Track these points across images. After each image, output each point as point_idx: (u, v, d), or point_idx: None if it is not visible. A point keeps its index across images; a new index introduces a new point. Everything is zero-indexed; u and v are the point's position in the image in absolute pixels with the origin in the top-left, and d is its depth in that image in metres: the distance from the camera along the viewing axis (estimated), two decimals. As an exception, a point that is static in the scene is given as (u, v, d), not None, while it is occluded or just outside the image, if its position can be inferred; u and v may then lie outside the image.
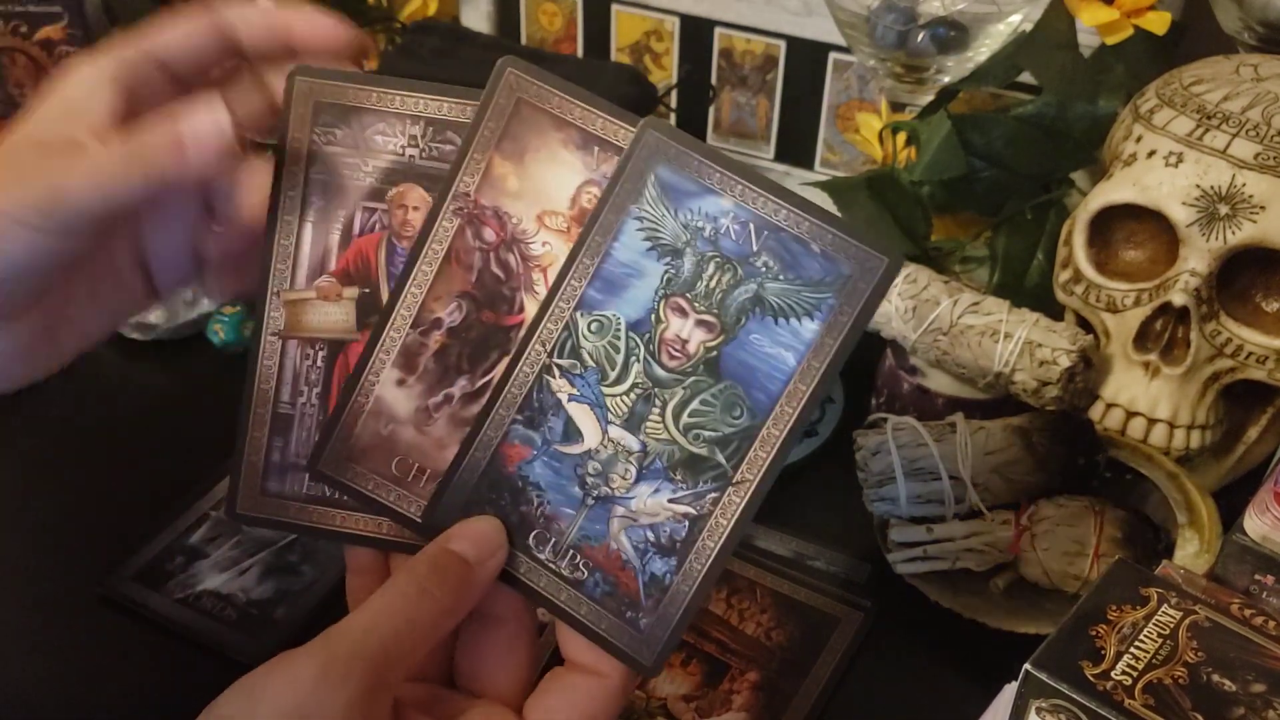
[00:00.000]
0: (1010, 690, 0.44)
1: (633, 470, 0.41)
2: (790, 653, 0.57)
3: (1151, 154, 0.63)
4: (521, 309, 0.43)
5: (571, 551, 0.42)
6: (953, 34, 0.72)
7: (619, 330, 0.41)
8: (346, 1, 0.90)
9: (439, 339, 0.43)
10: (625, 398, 0.41)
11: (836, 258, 0.39)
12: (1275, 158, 0.60)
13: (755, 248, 0.40)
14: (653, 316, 0.41)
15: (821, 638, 0.58)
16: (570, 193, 0.42)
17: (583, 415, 0.42)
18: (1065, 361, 0.62)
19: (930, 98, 0.77)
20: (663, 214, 0.41)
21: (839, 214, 0.74)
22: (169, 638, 0.57)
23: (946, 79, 0.75)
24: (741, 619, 0.59)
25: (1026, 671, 0.41)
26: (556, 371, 0.42)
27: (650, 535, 0.41)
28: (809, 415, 0.40)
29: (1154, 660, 0.41)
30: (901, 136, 0.77)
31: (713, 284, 0.41)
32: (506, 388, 0.42)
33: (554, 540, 0.42)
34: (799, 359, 0.40)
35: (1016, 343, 0.63)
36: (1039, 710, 0.41)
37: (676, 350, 0.41)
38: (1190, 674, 0.41)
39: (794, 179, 0.93)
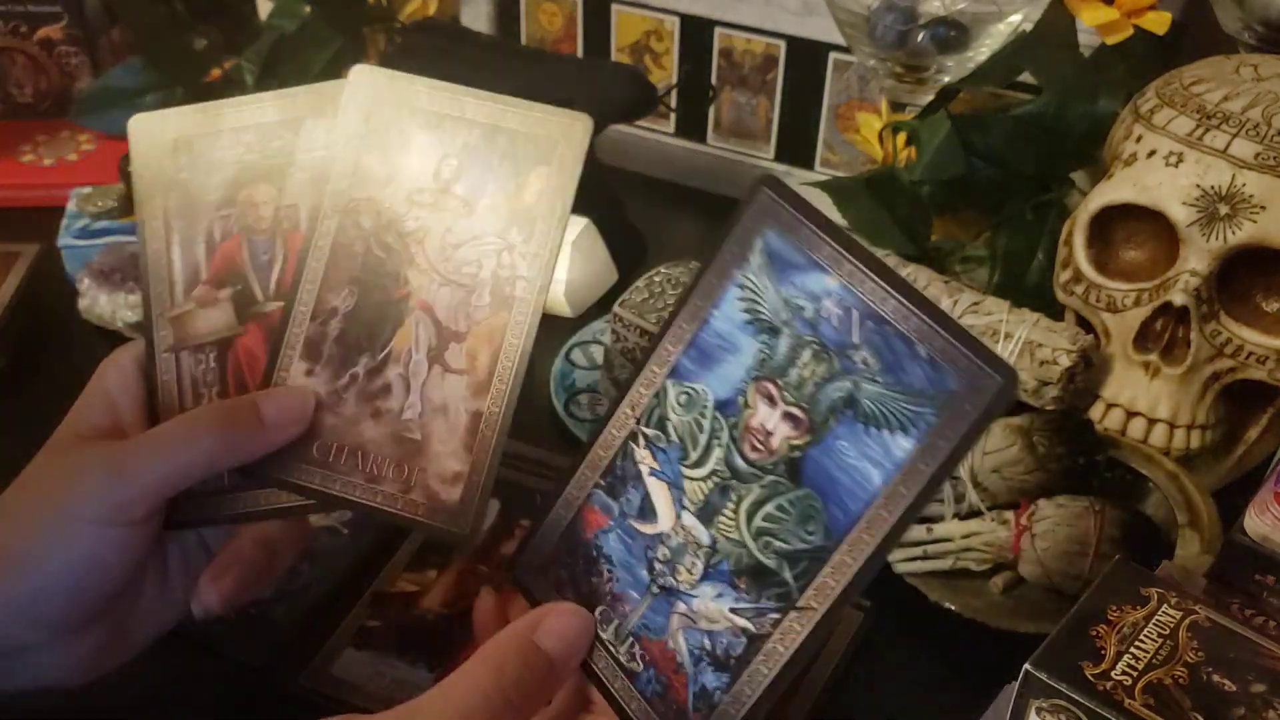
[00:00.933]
0: (1010, 690, 0.44)
1: (699, 565, 0.39)
2: (790, 653, 0.57)
3: (1152, 154, 0.63)
4: (407, 282, 0.46)
5: (631, 639, 0.40)
6: (953, 34, 0.72)
7: (706, 407, 0.39)
8: (347, 1, 0.90)
9: (337, 325, 0.46)
10: (703, 484, 0.39)
11: (944, 367, 0.34)
12: (1275, 157, 0.60)
13: (856, 339, 0.36)
14: (741, 399, 0.38)
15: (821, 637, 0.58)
16: (431, 169, 0.46)
17: (660, 493, 0.40)
18: (1065, 361, 0.62)
19: (930, 97, 0.76)
20: (765, 284, 0.38)
21: (842, 217, 0.75)
22: (169, 636, 0.57)
23: (947, 79, 0.75)
24: (741, 619, 0.59)
25: (1026, 671, 0.41)
26: (642, 440, 0.40)
27: (707, 643, 0.39)
28: (891, 548, 0.35)
29: (1154, 660, 0.41)
30: (902, 136, 0.77)
31: (806, 373, 0.37)
32: (594, 448, 0.42)
33: (618, 623, 0.41)
34: (885, 479, 0.35)
35: (1017, 343, 0.63)
36: (1039, 710, 0.41)
37: (759, 442, 0.38)
38: (1190, 674, 0.41)
39: (794, 179, 0.93)
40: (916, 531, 0.59)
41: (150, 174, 0.49)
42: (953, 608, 0.57)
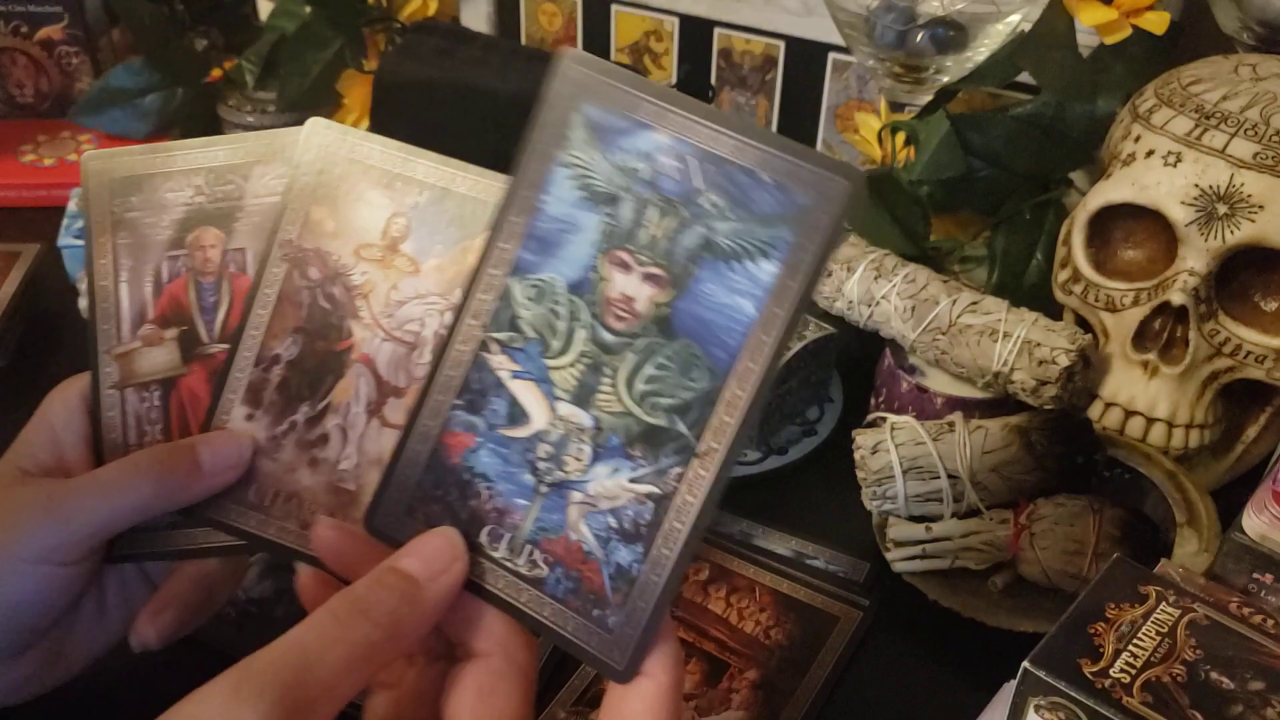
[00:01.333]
0: (1009, 688, 0.44)
1: (587, 450, 0.38)
2: (789, 651, 0.57)
3: (1150, 153, 0.63)
4: (350, 335, 0.46)
5: (529, 547, 0.39)
6: (952, 34, 0.72)
7: (558, 294, 0.38)
8: (346, 2, 0.90)
9: (279, 372, 0.47)
10: (572, 370, 0.38)
11: (790, 186, 0.35)
12: (1274, 157, 0.60)
13: (699, 184, 0.36)
14: (594, 275, 0.37)
15: (820, 636, 0.58)
16: (380, 225, 0.47)
17: (528, 393, 0.38)
18: (1064, 361, 0.62)
19: (929, 98, 0.77)
20: (593, 157, 0.37)
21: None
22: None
23: (945, 79, 0.75)
24: (741, 617, 0.59)
25: (1025, 669, 0.41)
26: (495, 347, 0.39)
27: (612, 521, 0.37)
28: (775, 370, 0.36)
29: (1152, 658, 0.41)
30: (900, 136, 0.77)
31: (656, 231, 0.37)
32: (441, 370, 0.39)
33: (509, 536, 0.39)
34: (759, 306, 0.35)
35: (1015, 342, 0.63)
36: (1037, 708, 0.41)
37: (623, 310, 0.37)
38: (1188, 672, 0.41)
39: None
40: (916, 531, 0.59)
41: (101, 211, 0.50)
42: (951, 607, 0.58)
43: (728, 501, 0.65)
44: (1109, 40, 0.71)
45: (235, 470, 0.46)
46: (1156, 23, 0.70)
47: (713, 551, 0.62)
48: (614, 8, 0.94)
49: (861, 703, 0.55)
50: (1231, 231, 0.60)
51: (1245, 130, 0.61)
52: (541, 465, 0.38)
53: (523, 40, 0.99)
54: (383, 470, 0.41)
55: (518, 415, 0.39)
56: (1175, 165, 0.62)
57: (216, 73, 0.95)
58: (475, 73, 0.83)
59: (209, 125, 0.94)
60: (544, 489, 0.38)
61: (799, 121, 0.91)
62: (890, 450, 0.60)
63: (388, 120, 0.85)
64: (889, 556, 0.60)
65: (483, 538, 0.39)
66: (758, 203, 0.35)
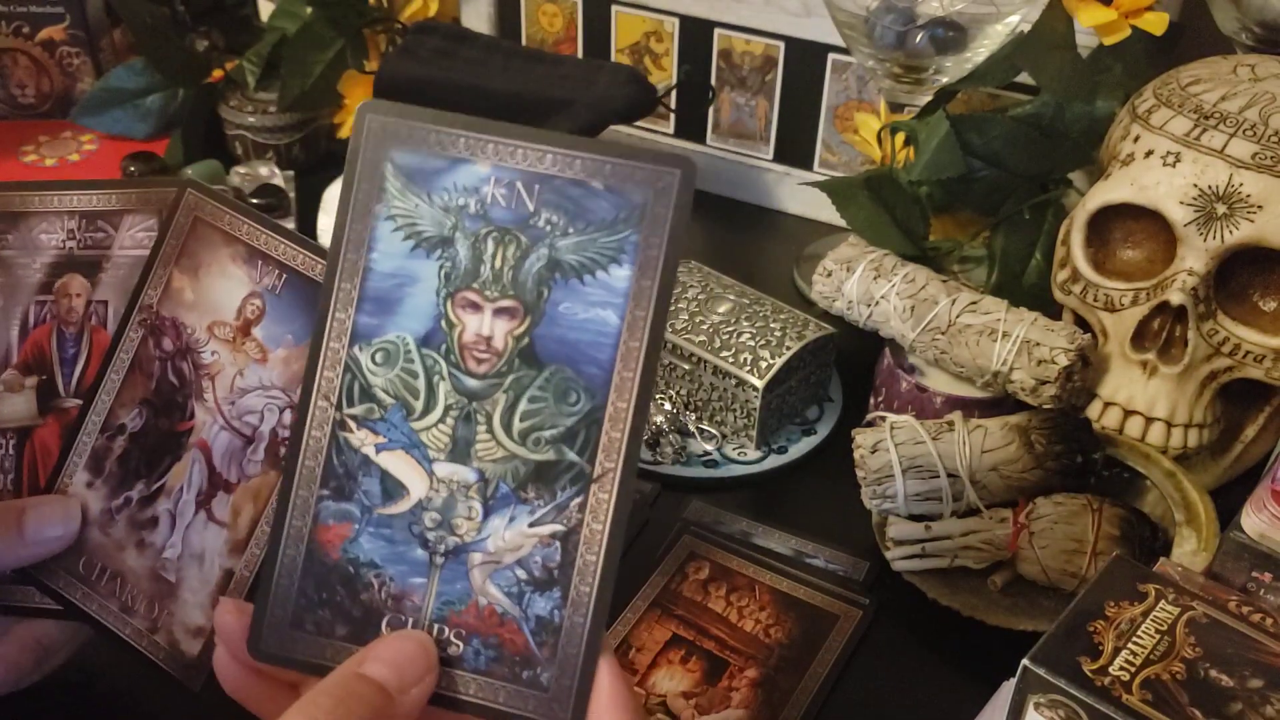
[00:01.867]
0: (1009, 687, 0.44)
1: (477, 506, 0.36)
2: (789, 650, 0.57)
3: (1149, 154, 0.63)
4: (192, 415, 0.45)
5: (437, 626, 0.36)
6: (951, 34, 0.72)
7: (410, 352, 0.36)
8: (347, 1, 0.90)
9: (122, 444, 0.46)
10: (442, 426, 0.36)
11: (624, 188, 0.34)
12: (1272, 157, 0.60)
13: (531, 207, 0.35)
14: (443, 323, 0.36)
15: (820, 635, 0.58)
16: (237, 304, 0.45)
17: (399, 464, 0.36)
18: (1063, 360, 0.62)
19: (928, 98, 0.77)
20: (415, 203, 0.36)
21: (841, 217, 0.75)
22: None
23: (945, 79, 0.75)
24: (741, 616, 0.59)
25: (1024, 667, 0.41)
26: (352, 424, 0.36)
27: (521, 573, 0.35)
28: (654, 373, 0.35)
29: (1151, 656, 0.41)
30: (900, 137, 0.77)
31: (498, 263, 0.35)
32: (300, 462, 0.36)
33: (411, 621, 0.36)
34: (621, 314, 0.35)
35: (1014, 342, 0.63)
36: (1037, 706, 0.41)
37: (482, 352, 0.36)
38: (1188, 670, 0.41)
39: (793, 179, 0.93)
40: (915, 530, 0.59)
41: None
42: (951, 605, 0.58)
43: (728, 501, 0.66)
44: (1108, 41, 0.71)
45: (60, 541, 0.45)
46: (1155, 23, 0.70)
47: (713, 551, 0.62)
48: (614, 8, 0.94)
49: (861, 701, 0.55)
50: (1230, 231, 0.60)
51: (1244, 130, 0.61)
52: (431, 535, 0.36)
53: (523, 41, 0.99)
54: (258, 582, 0.38)
55: (393, 490, 0.36)
56: (1174, 165, 0.62)
57: (218, 73, 0.95)
58: (476, 73, 0.83)
59: (210, 126, 0.94)
60: (439, 560, 0.36)
61: (798, 122, 0.91)
62: (890, 449, 0.60)
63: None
64: (889, 555, 0.60)
65: (383, 630, 0.36)
66: (595, 211, 0.35)
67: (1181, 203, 0.61)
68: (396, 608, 0.36)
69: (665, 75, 0.94)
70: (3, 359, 0.49)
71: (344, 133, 0.91)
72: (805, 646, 0.58)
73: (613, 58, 0.96)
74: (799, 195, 0.93)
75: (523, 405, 0.36)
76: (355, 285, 0.36)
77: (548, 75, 0.83)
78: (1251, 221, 0.60)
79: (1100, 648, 0.41)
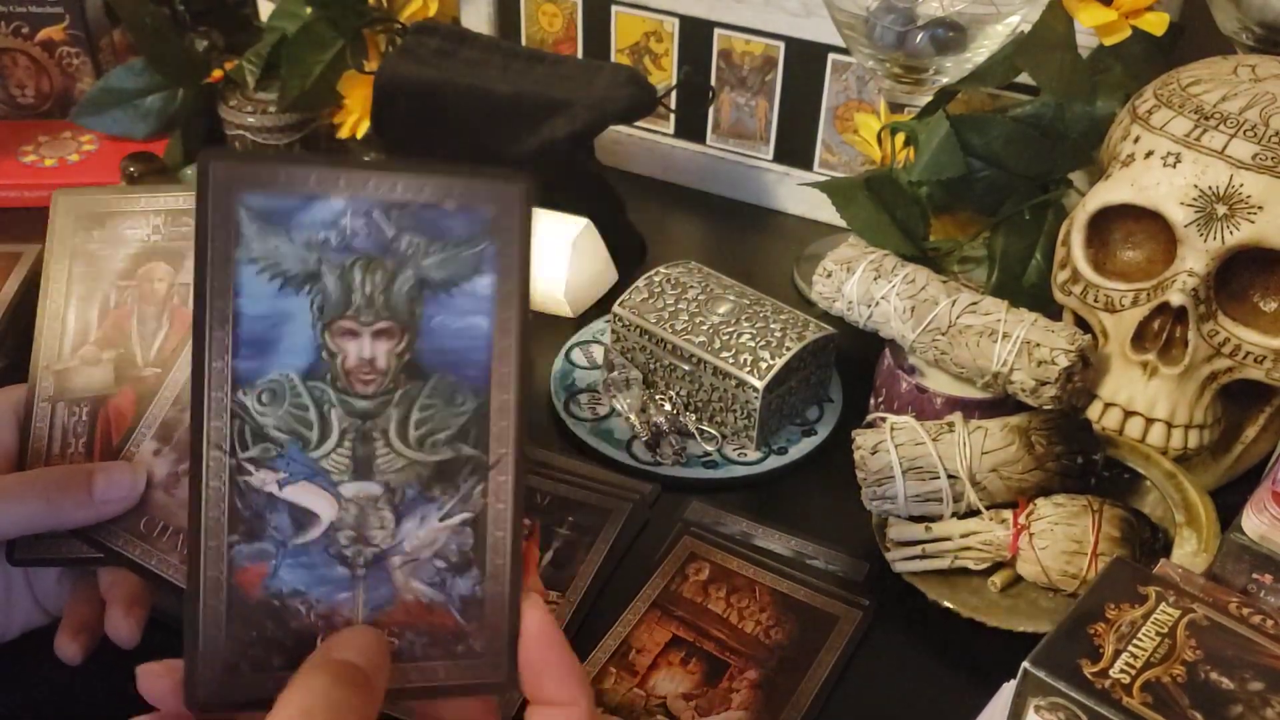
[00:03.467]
0: (1009, 688, 0.44)
1: (388, 515, 0.37)
2: (789, 651, 0.57)
3: (1149, 154, 0.63)
4: None
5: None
6: (951, 35, 0.72)
7: (296, 388, 0.37)
8: (347, 2, 0.90)
9: None
10: (340, 451, 0.37)
11: (474, 205, 0.37)
12: (1273, 158, 0.60)
13: (390, 233, 0.37)
14: (324, 354, 0.37)
15: (820, 636, 0.58)
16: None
17: (305, 494, 0.37)
18: (1063, 361, 0.62)
19: (929, 98, 0.77)
20: (274, 244, 0.36)
21: (840, 217, 0.75)
22: (172, 635, 0.57)
23: (945, 80, 0.75)
24: (741, 617, 0.59)
25: (1025, 670, 0.41)
26: (250, 467, 0.37)
27: (440, 563, 0.37)
28: (528, 363, 0.38)
29: (1152, 658, 0.41)
30: (900, 137, 0.77)
31: (367, 289, 0.37)
32: (203, 515, 0.37)
33: None
34: (490, 317, 0.37)
35: (1015, 342, 0.63)
36: (1037, 708, 0.41)
37: (367, 374, 0.37)
38: (1188, 672, 0.41)
39: (793, 179, 0.93)
40: (915, 531, 0.59)
41: (63, 241, 0.54)
42: (951, 607, 0.58)
43: (728, 501, 0.66)
44: (1108, 41, 0.71)
45: (126, 502, 0.49)
46: (1156, 24, 0.70)
47: (713, 551, 0.62)
48: (614, 9, 0.94)
49: (861, 702, 0.55)
50: (1231, 232, 0.60)
51: (1244, 131, 0.61)
52: (349, 552, 0.37)
53: (523, 41, 0.99)
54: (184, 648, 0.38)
55: (303, 519, 0.37)
56: (1174, 166, 0.62)
57: (217, 73, 0.95)
58: (476, 74, 0.83)
59: (210, 126, 0.94)
60: (361, 571, 0.37)
61: (798, 122, 0.91)
62: (890, 450, 0.60)
63: (388, 121, 0.85)
64: (889, 556, 0.60)
65: (319, 645, 0.37)
66: (452, 229, 0.37)
67: (1182, 203, 0.61)
68: (328, 625, 0.37)
69: (665, 75, 0.94)
70: (82, 336, 0.53)
71: (343, 133, 0.91)
72: (805, 648, 0.58)
73: (613, 58, 0.96)
74: (799, 195, 0.93)
75: (415, 415, 0.37)
76: (227, 332, 0.36)
77: (548, 76, 0.83)
78: (1252, 222, 0.60)
79: (1101, 650, 0.41)
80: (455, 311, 0.37)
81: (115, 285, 0.54)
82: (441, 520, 0.37)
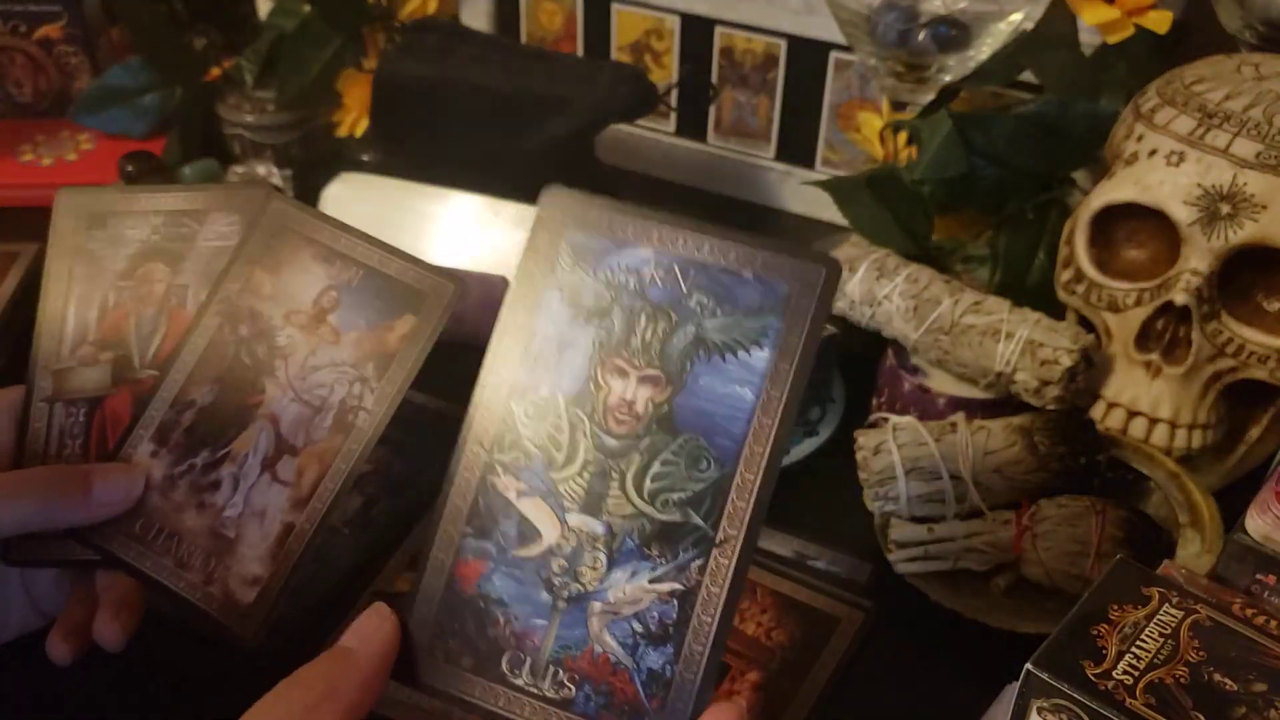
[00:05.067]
0: (1011, 690, 0.44)
1: (602, 558, 0.38)
2: (791, 653, 0.57)
3: (1153, 153, 0.63)
4: (262, 391, 0.49)
5: (552, 668, 0.38)
6: (954, 33, 0.72)
7: (559, 409, 0.39)
8: (347, 1, 0.90)
9: (190, 417, 0.50)
10: (578, 479, 0.39)
11: (772, 279, 0.38)
12: (1277, 157, 0.60)
13: (685, 289, 0.38)
14: (592, 385, 0.39)
15: (822, 638, 0.58)
16: (313, 295, 0.50)
17: (536, 510, 0.39)
18: (1066, 361, 0.62)
19: (931, 96, 0.76)
20: (582, 278, 0.39)
21: (843, 216, 0.75)
22: (171, 636, 0.57)
23: (948, 78, 0.75)
24: (742, 619, 0.59)
25: (1028, 671, 0.41)
26: (499, 469, 0.39)
27: (638, 625, 0.37)
28: (783, 450, 0.37)
29: (1155, 660, 0.41)
30: (903, 135, 0.77)
31: (648, 335, 0.39)
32: (449, 499, 0.39)
33: (530, 660, 0.38)
34: (757, 392, 0.37)
35: (1018, 342, 0.63)
36: (1040, 710, 0.41)
37: (624, 415, 0.38)
38: (1192, 673, 0.41)
39: (795, 178, 0.93)
40: (918, 532, 0.59)
41: (65, 241, 0.54)
42: (954, 608, 0.57)
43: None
44: (1111, 39, 0.71)
45: (123, 504, 0.49)
46: (1159, 22, 0.70)
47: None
48: (614, 6, 0.93)
49: (863, 704, 0.55)
50: (1234, 231, 0.60)
51: (1248, 130, 0.61)
52: (557, 581, 0.38)
53: (523, 39, 0.99)
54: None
55: (528, 534, 0.39)
56: (1178, 165, 0.62)
57: (215, 71, 0.94)
58: (475, 71, 0.83)
59: (208, 124, 0.94)
60: (561, 605, 0.38)
61: (800, 120, 0.91)
62: (892, 451, 0.59)
63: (387, 119, 0.85)
64: (891, 557, 0.59)
65: (504, 666, 0.39)
66: (743, 298, 0.38)
67: (1185, 202, 0.61)
68: (518, 645, 0.38)
69: (666, 73, 0.94)
70: (81, 336, 0.53)
71: (342, 131, 0.90)
72: (807, 649, 0.57)
73: (613, 56, 0.96)
74: (801, 194, 0.93)
75: (655, 467, 0.38)
76: (518, 344, 0.39)
77: (548, 73, 0.83)
78: (1256, 221, 0.60)
79: (1104, 651, 0.41)
80: (724, 377, 0.38)
81: (114, 285, 0.54)
82: (651, 582, 0.38)
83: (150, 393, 0.51)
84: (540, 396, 0.39)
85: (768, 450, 0.37)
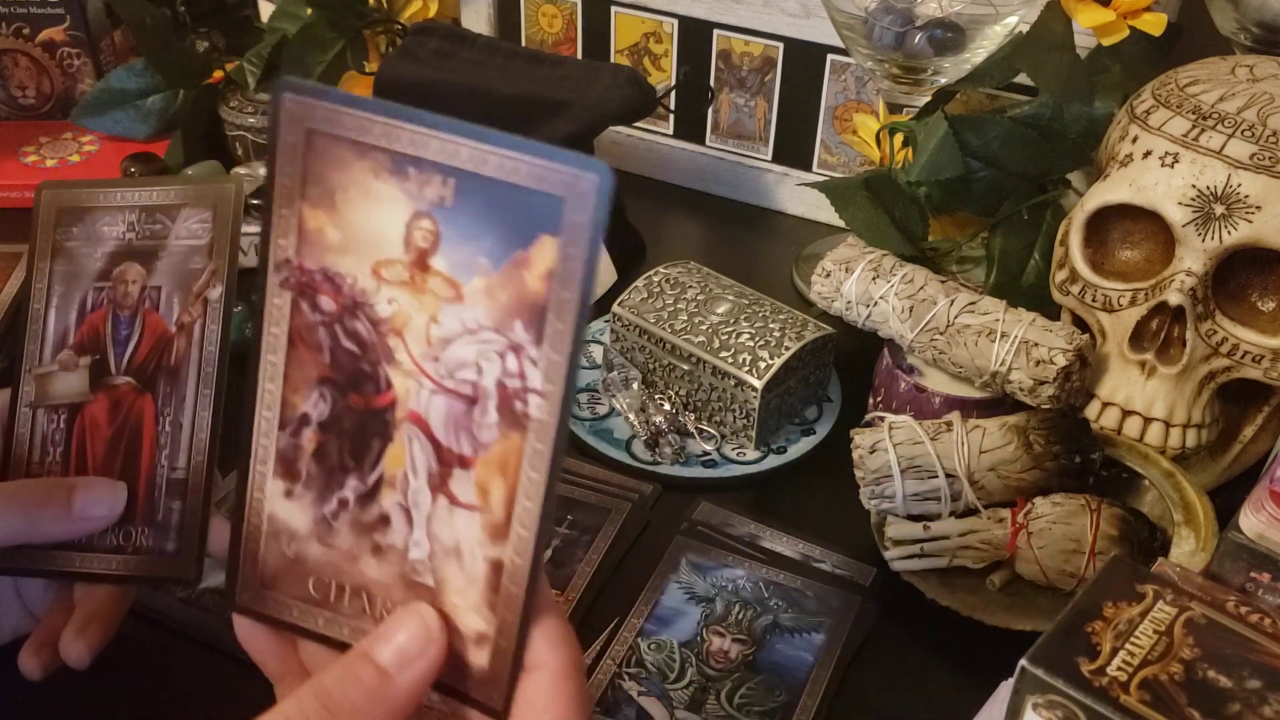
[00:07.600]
0: (1007, 687, 0.44)
1: None
2: (789, 651, 0.58)
3: (1147, 154, 0.63)
4: (389, 385, 0.36)
5: None
6: (949, 35, 0.72)
7: (674, 648, 0.56)
8: (347, 3, 0.90)
9: (312, 437, 0.38)
10: (685, 690, 0.54)
11: (827, 598, 0.59)
12: (1271, 158, 0.60)
13: (766, 595, 0.59)
14: (699, 638, 0.57)
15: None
16: (400, 232, 0.35)
17: (652, 705, 0.54)
18: (1061, 361, 0.62)
19: (927, 99, 0.77)
20: (694, 579, 0.60)
21: (839, 217, 0.75)
22: (172, 636, 0.58)
23: (943, 80, 0.75)
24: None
25: (1022, 668, 0.41)
26: (626, 678, 0.55)
27: None
28: (835, 689, 0.55)
29: (1149, 656, 0.41)
30: (899, 137, 0.77)
31: (739, 617, 0.58)
32: (599, 691, 0.54)
33: None
34: (815, 656, 0.56)
35: (1013, 342, 0.63)
36: (1035, 706, 0.41)
37: (720, 659, 0.56)
38: (1186, 670, 0.41)
39: (791, 179, 0.93)
40: (914, 530, 0.60)
41: (45, 238, 0.52)
42: (949, 605, 0.58)
43: (727, 502, 0.66)
44: (1106, 41, 0.71)
45: (107, 519, 0.48)
46: (1154, 24, 0.70)
47: (719, 554, 0.62)
48: (613, 9, 0.94)
49: (861, 701, 0.55)
50: (1229, 232, 0.61)
51: (1242, 131, 0.61)
52: None
53: (523, 42, 0.99)
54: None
55: None
56: (1172, 166, 0.62)
57: (218, 74, 0.95)
58: (476, 74, 0.83)
59: (211, 127, 0.95)
60: None
61: (797, 123, 0.91)
62: (888, 450, 0.60)
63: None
64: (887, 555, 0.60)
65: None
66: (806, 605, 0.59)
67: (1180, 203, 0.61)
68: None
69: (664, 76, 0.95)
70: (61, 340, 0.52)
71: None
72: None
73: (612, 59, 0.96)
74: (798, 196, 0.93)
75: (742, 691, 0.54)
76: (648, 608, 0.58)
77: (547, 76, 0.83)
78: (1250, 222, 0.60)
79: (1098, 648, 0.41)
80: (791, 646, 0.57)
81: (92, 286, 0.51)
82: None
83: (131, 403, 0.48)
84: (660, 639, 0.57)
85: (824, 685, 0.55)
